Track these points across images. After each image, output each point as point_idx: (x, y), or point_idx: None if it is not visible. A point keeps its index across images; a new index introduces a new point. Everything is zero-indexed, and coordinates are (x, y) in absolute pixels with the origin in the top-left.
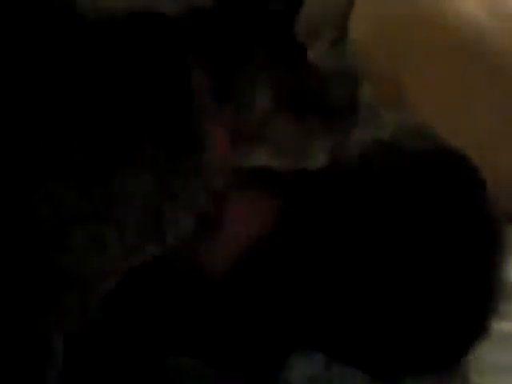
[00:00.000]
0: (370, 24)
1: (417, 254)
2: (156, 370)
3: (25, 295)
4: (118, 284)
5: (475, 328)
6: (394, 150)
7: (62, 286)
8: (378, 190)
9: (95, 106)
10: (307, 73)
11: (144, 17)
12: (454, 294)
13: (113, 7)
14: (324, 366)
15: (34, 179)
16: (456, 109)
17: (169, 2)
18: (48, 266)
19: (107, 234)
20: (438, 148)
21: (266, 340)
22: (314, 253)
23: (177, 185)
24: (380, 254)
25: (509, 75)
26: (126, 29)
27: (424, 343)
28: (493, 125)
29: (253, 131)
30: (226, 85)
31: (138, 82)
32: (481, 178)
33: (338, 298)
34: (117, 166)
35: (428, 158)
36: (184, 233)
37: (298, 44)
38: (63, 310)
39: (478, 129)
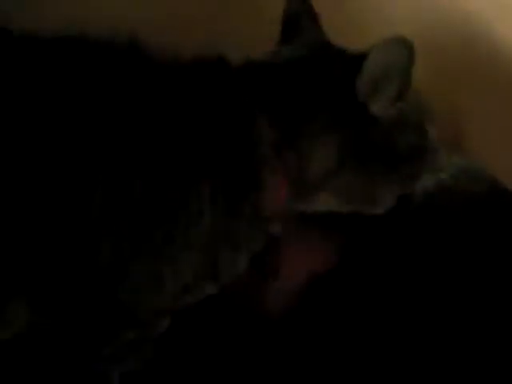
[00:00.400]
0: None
1: (472, 295)
2: None
3: (86, 332)
4: (176, 322)
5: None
6: (452, 192)
7: (121, 323)
8: (437, 231)
9: (162, 148)
10: (370, 127)
11: (213, 64)
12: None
13: (180, 55)
14: None
15: (99, 220)
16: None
17: (236, 52)
18: (109, 303)
19: (165, 272)
20: (494, 190)
21: (316, 380)
22: (372, 290)
23: (233, 227)
24: (436, 295)
25: None
26: (194, 74)
27: None
28: None
29: (317, 182)
30: (290, 140)
31: (204, 126)
32: None
33: (391, 335)
34: (178, 207)
35: (483, 200)
36: (239, 272)
37: (359, 102)
38: (123, 345)
39: None
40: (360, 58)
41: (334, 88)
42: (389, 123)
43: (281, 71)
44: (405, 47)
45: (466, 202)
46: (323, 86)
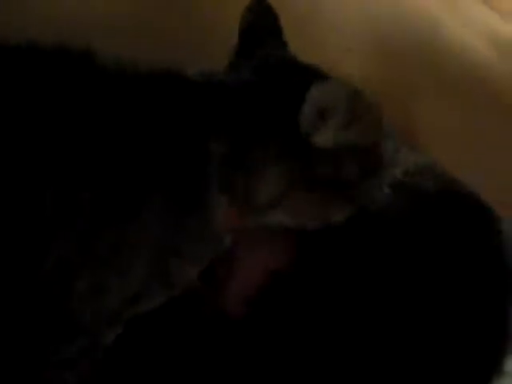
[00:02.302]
0: (377, 61)
1: (429, 296)
2: None
3: (33, 340)
4: (130, 325)
5: (489, 368)
6: (405, 189)
7: (70, 330)
8: (392, 228)
9: (112, 160)
10: (314, 157)
11: (169, 77)
12: (468, 333)
13: (136, 66)
14: None
15: (46, 228)
16: (462, 146)
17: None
18: (55, 311)
19: (111, 283)
20: (448, 187)
21: (279, 380)
22: (327, 292)
23: (181, 241)
24: (395, 297)
25: (506, 100)
26: (146, 86)
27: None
28: (498, 162)
29: (264, 204)
30: (239, 161)
31: (155, 138)
32: (494, 216)
33: (349, 334)
34: (126, 220)
35: (438, 197)
36: (190, 282)
37: (301, 133)
38: (72, 352)
39: (484, 166)
40: (303, 86)
41: (282, 115)
42: (335, 151)
43: (235, 91)
44: (347, 87)
45: (416, 198)
46: (272, 113)
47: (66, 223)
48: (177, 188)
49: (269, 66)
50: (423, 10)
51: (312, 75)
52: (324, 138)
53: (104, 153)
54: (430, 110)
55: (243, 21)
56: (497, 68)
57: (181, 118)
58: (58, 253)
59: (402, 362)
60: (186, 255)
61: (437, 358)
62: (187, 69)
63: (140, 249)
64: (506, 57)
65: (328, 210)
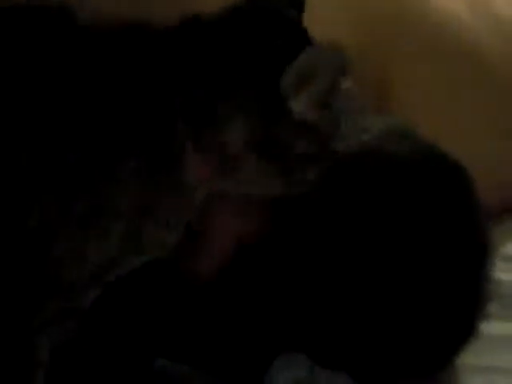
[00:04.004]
0: (356, 25)
1: (405, 258)
2: (143, 372)
3: (10, 301)
4: (108, 288)
5: (463, 331)
6: (378, 153)
7: (46, 293)
8: (364, 193)
9: (84, 117)
10: (280, 122)
11: (138, 30)
12: (441, 297)
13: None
14: (309, 370)
15: (23, 191)
16: (440, 108)
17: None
18: (33, 273)
19: (89, 244)
20: (423, 150)
21: (251, 343)
22: (301, 255)
23: (157, 201)
24: (367, 258)
25: (491, 74)
26: (119, 41)
27: (412, 348)
28: (477, 125)
29: (227, 163)
30: (207, 114)
31: (124, 96)
32: (469, 179)
33: (323, 300)
34: (102, 181)
35: (411, 158)
36: (166, 245)
37: (279, 94)
38: (50, 315)
39: (462, 129)
40: (296, 48)
41: (259, 72)
42: (301, 123)
43: (207, 42)
44: (338, 55)
45: (389, 161)
46: (248, 68)
47: (45, 185)
48: (149, 146)
49: (260, 18)
50: None
51: (302, 40)
52: (298, 104)
53: (78, 113)
54: (409, 75)
55: None
56: (481, 35)
57: (147, 73)
58: (39, 214)
59: (376, 328)
60: (161, 216)
61: (413, 321)
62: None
63: (117, 210)
64: (488, 22)
65: (269, 181)
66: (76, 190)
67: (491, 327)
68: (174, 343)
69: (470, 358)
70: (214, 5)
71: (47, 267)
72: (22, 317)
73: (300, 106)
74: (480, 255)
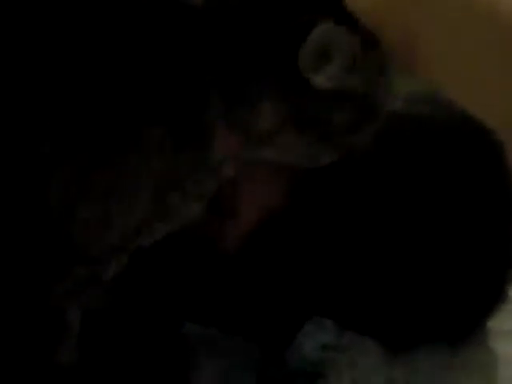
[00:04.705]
0: None
1: (434, 221)
2: (171, 337)
3: (37, 268)
4: (133, 257)
5: (491, 296)
6: (406, 118)
7: (73, 259)
8: (393, 160)
9: (110, 87)
10: (309, 98)
11: (173, 5)
12: (470, 260)
13: None
14: (336, 335)
15: (46, 159)
16: (469, 76)
17: None
18: (59, 239)
19: (114, 211)
20: (451, 114)
21: (279, 309)
22: (327, 224)
23: (183, 173)
24: (395, 220)
25: None
26: (146, 13)
27: (439, 311)
28: (506, 89)
29: (260, 137)
30: (237, 93)
31: (153, 68)
32: (498, 142)
33: (349, 266)
34: (125, 148)
35: (440, 123)
36: (192, 216)
37: (300, 71)
38: (76, 282)
39: (492, 94)
40: (308, 25)
41: (284, 50)
42: (331, 95)
43: (236, 21)
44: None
45: (419, 125)
46: (273, 46)
47: (67, 153)
48: (175, 119)
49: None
50: None
51: (321, 12)
52: (323, 79)
53: (103, 83)
54: (435, 38)
55: None
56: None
57: (179, 48)
58: (62, 183)
59: (404, 291)
60: (187, 188)
61: (441, 283)
62: None
63: (141, 181)
64: None
65: (313, 154)
66: (98, 159)
67: None
68: (202, 308)
69: (493, 321)
70: None
71: (70, 235)
72: (51, 283)
73: (323, 81)
74: (508, 216)
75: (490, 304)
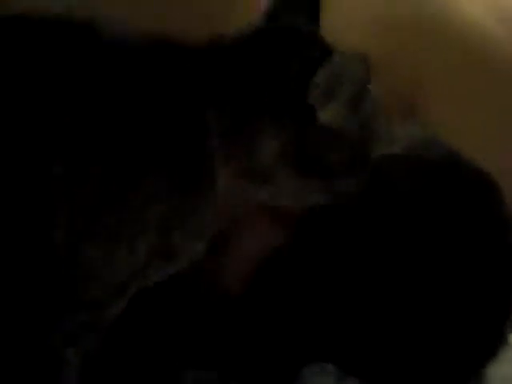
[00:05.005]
0: (382, 35)
1: (433, 266)
2: (170, 381)
3: (38, 309)
4: (136, 298)
5: (492, 341)
6: (406, 161)
7: (74, 302)
8: (392, 201)
9: (112, 129)
10: (313, 134)
11: (166, 47)
12: (471, 305)
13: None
14: (337, 379)
15: (53, 197)
16: (467, 120)
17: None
18: (61, 280)
19: (117, 252)
20: (449, 158)
21: (280, 353)
22: (328, 267)
23: (186, 213)
24: (396, 266)
25: None
26: (145, 55)
27: (439, 358)
28: (503, 137)
29: (259, 175)
30: (236, 131)
31: (155, 110)
32: (497, 188)
33: (350, 311)
34: (130, 192)
35: (440, 167)
36: (195, 256)
37: (307, 106)
38: (76, 325)
39: (486, 136)
40: (319, 60)
41: (287, 85)
42: (333, 134)
43: (238, 60)
44: (363, 62)
45: (419, 171)
46: (276, 84)
47: (73, 195)
48: (178, 160)
49: (282, 36)
50: None
51: (325, 52)
52: (327, 115)
53: (107, 125)
54: (437, 82)
55: None
56: (504, 43)
57: (179, 89)
58: (67, 225)
59: (405, 338)
60: (189, 228)
61: (441, 330)
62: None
63: (145, 222)
64: (510, 30)
65: (308, 194)
66: (103, 202)
67: None
68: (201, 353)
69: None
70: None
71: (73, 276)
72: (52, 324)
73: (329, 116)
74: (509, 262)
75: (489, 349)
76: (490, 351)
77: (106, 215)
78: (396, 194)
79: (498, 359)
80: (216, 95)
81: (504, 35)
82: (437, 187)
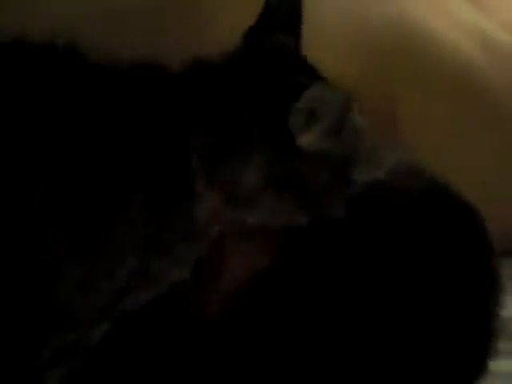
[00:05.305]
0: (363, 61)
1: (415, 294)
2: None
3: (17, 334)
4: (116, 323)
5: (474, 368)
6: (388, 189)
7: (54, 325)
8: (373, 227)
9: (93, 154)
10: (294, 158)
11: (148, 69)
12: (452, 334)
13: (118, 58)
14: None
15: (31, 230)
16: (448, 146)
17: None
18: (44, 301)
19: (100, 274)
20: (433, 186)
21: (262, 379)
22: (310, 291)
23: (168, 237)
24: (377, 295)
25: (498, 113)
26: (128, 80)
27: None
28: (484, 163)
29: (242, 198)
30: (220, 155)
31: (136, 133)
32: (478, 215)
33: (332, 336)
34: (110, 213)
35: (422, 195)
36: (176, 281)
37: (288, 131)
38: (56, 348)
39: (470, 167)
40: (301, 87)
41: (270, 111)
42: (314, 157)
43: (221, 81)
44: (343, 92)
45: (400, 197)
46: (259, 106)
47: (52, 221)
48: (160, 184)
49: (265, 57)
50: (410, 11)
51: (308, 75)
52: (309, 140)
53: (88, 150)
54: (416, 107)
55: (265, 2)
56: (486, 69)
57: (161, 111)
58: (48, 250)
59: (384, 361)
60: (172, 253)
61: (421, 357)
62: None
63: (127, 245)
64: (494, 57)
65: (287, 216)
66: (84, 226)
67: (498, 364)
68: (182, 378)
69: None
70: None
71: (53, 303)
72: (32, 349)
73: (310, 141)
74: (489, 291)
75: (470, 377)
76: (471, 379)
77: (86, 240)
78: (379, 221)
79: None
80: (198, 120)
81: (487, 62)
82: (419, 216)
